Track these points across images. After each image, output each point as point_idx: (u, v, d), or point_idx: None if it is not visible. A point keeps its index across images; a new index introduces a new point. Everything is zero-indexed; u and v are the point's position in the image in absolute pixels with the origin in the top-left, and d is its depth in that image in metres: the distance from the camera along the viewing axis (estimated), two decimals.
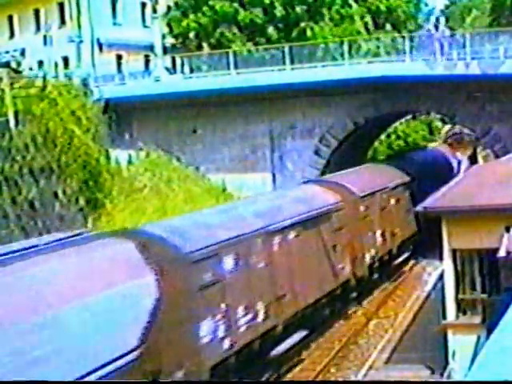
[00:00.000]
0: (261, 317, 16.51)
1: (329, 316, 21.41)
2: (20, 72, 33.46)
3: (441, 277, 19.51)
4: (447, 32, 29.48)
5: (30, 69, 38.56)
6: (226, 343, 15.10)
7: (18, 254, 12.03)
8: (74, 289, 11.64)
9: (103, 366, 11.36)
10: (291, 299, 17.96)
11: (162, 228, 14.97)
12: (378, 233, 24.85)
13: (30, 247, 12.59)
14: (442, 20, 30.21)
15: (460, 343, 15.56)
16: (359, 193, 23.49)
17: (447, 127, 51.08)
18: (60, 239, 13.41)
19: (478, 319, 15.68)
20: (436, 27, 29.59)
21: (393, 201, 26.58)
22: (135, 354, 12.20)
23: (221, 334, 14.88)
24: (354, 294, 23.05)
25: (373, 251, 24.08)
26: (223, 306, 15.06)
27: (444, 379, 15.82)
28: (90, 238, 13.71)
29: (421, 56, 29.34)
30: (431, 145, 48.74)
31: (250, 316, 16.05)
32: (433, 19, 30.65)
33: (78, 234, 14.03)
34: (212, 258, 14.89)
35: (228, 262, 15.41)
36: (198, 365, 14.03)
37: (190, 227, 15.57)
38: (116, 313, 12.21)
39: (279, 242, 17.82)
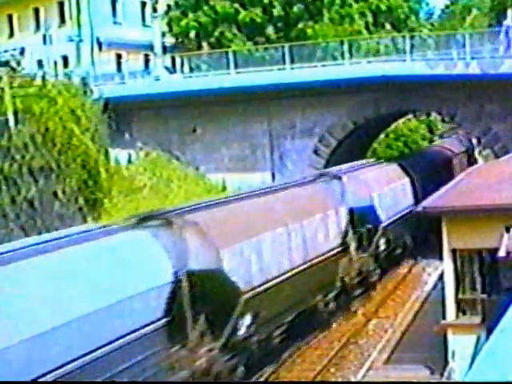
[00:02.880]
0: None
1: None
2: (19, 71, 33.39)
3: (441, 277, 19.49)
4: None
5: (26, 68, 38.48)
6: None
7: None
8: (385, 180, 26.66)
9: (396, 214, 25.89)
10: None
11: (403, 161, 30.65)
12: None
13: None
14: None
15: (460, 343, 15.51)
16: None
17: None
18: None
19: (477, 319, 15.63)
20: None
21: None
22: (410, 208, 25.46)
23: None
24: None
25: None
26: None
27: (444, 379, 15.79)
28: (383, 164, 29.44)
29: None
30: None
31: None
32: (510, 13, 29.42)
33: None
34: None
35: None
36: None
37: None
38: (400, 191, 27.45)
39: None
